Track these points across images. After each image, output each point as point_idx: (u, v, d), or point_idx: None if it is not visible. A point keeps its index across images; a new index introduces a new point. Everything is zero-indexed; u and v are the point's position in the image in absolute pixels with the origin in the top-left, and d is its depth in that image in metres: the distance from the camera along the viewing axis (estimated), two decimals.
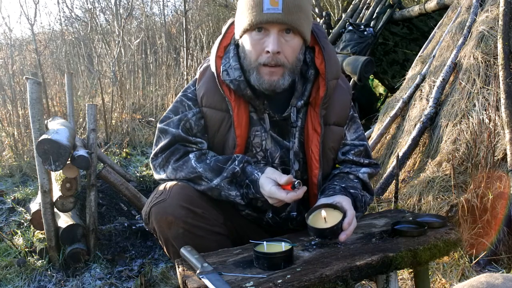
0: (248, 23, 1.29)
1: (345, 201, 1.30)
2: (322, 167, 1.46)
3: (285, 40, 1.31)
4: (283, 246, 1.13)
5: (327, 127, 1.45)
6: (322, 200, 1.34)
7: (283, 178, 1.29)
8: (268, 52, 1.30)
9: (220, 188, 1.37)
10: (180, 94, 1.51)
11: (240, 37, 1.38)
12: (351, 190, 1.40)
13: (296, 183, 1.26)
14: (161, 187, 1.41)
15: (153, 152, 1.48)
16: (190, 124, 1.45)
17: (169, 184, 1.40)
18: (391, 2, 4.97)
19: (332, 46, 1.49)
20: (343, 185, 1.41)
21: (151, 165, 1.51)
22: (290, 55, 1.33)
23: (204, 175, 1.37)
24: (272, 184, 1.30)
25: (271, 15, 1.26)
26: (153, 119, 5.94)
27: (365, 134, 3.94)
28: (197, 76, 1.50)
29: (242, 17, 1.32)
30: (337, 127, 1.48)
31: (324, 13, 5.69)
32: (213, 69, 1.41)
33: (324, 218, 1.22)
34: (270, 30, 1.29)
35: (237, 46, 1.41)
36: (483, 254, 2.01)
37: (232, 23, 1.45)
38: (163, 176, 1.46)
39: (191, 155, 1.41)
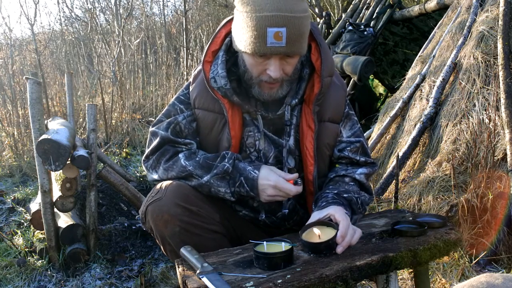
0: (251, 51, 1.28)
1: (338, 213, 1.27)
2: (317, 164, 1.46)
3: (285, 62, 1.33)
4: (283, 246, 1.13)
5: (322, 124, 1.45)
6: (315, 215, 1.32)
7: (289, 175, 1.36)
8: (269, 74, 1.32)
9: (210, 184, 1.39)
10: (174, 97, 1.54)
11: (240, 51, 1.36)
12: (344, 195, 1.39)
13: (299, 180, 1.35)
14: (157, 186, 1.42)
15: (145, 154, 1.51)
16: (180, 127, 1.48)
17: (165, 183, 1.41)
18: (391, 2, 4.97)
19: (324, 41, 1.49)
20: (335, 192, 1.40)
21: (143, 167, 1.53)
22: (290, 70, 1.36)
23: (194, 173, 1.39)
24: (278, 175, 1.35)
25: (275, 48, 1.25)
26: (153, 119, 5.93)
27: (365, 134, 3.96)
28: (191, 79, 1.51)
29: (244, 39, 1.29)
30: (332, 123, 1.48)
31: (324, 13, 5.69)
32: (203, 73, 1.43)
33: (318, 236, 1.21)
34: (272, 56, 1.29)
35: (226, 52, 1.41)
36: (483, 254, 2.01)
37: (222, 27, 1.44)
38: (155, 177, 1.48)
39: (180, 155, 1.43)
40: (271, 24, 1.22)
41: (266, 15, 1.22)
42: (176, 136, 1.48)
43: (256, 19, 1.23)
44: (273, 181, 1.33)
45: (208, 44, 1.44)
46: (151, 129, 1.52)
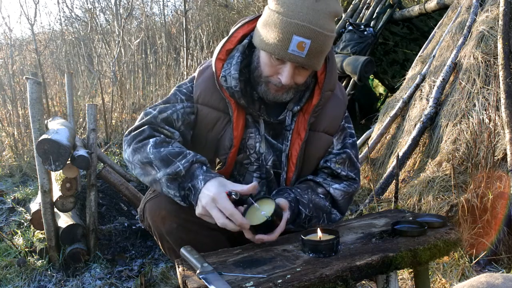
0: (270, 51, 1.29)
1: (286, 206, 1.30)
2: (300, 171, 1.47)
3: (298, 71, 1.33)
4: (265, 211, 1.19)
5: (316, 133, 1.46)
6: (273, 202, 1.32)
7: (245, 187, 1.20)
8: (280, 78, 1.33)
9: (161, 183, 1.30)
10: (174, 88, 1.51)
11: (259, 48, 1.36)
12: (300, 206, 1.38)
13: (233, 193, 1.19)
14: None
15: (129, 129, 1.44)
16: (177, 115, 1.43)
17: None
18: (391, 2, 4.97)
19: (334, 55, 1.50)
20: (297, 197, 1.39)
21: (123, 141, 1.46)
22: (300, 81, 1.37)
23: (154, 163, 1.30)
24: (223, 190, 1.18)
25: (294, 57, 1.26)
26: None
27: (365, 134, 3.96)
28: (195, 74, 1.50)
29: (267, 37, 1.29)
30: (326, 135, 1.49)
31: None
32: (214, 70, 1.42)
33: (319, 238, 1.22)
34: (287, 63, 1.30)
35: (242, 53, 1.41)
36: (483, 254, 2.01)
37: (239, 28, 1.43)
38: (125, 155, 1.41)
39: (151, 140, 1.35)
40: (298, 33, 1.23)
41: (296, 23, 1.23)
42: (166, 123, 1.42)
43: (285, 23, 1.24)
44: (212, 193, 1.18)
45: (223, 42, 1.43)
46: (146, 109, 1.47)
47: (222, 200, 1.16)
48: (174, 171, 1.27)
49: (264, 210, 1.21)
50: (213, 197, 1.17)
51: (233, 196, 1.18)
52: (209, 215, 1.19)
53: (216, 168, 1.47)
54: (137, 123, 1.43)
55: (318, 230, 1.22)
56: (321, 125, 1.46)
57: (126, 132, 1.44)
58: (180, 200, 1.29)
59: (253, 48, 1.40)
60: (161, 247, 1.48)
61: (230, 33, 1.44)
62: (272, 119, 1.44)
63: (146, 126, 1.40)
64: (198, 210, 1.22)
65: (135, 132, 1.40)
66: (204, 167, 1.29)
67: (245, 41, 1.42)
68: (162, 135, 1.39)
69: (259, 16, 1.40)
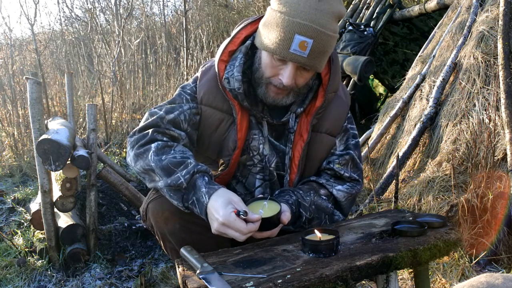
0: (272, 51, 1.28)
1: (286, 212, 1.30)
2: (302, 173, 1.47)
3: (300, 72, 1.32)
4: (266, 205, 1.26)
5: (318, 134, 1.46)
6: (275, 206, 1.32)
7: (251, 215, 1.19)
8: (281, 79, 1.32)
9: (163, 192, 1.32)
10: (178, 89, 1.51)
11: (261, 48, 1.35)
12: (300, 209, 1.38)
13: (241, 212, 1.18)
14: None
15: (134, 129, 1.43)
16: (184, 116, 1.43)
17: None
18: (391, 2, 4.97)
19: (338, 56, 1.49)
20: (299, 200, 1.38)
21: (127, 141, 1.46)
22: (301, 83, 1.36)
23: (156, 171, 1.31)
24: (229, 209, 1.18)
25: (296, 56, 1.25)
26: None
27: (365, 134, 3.96)
28: (198, 74, 1.50)
29: (269, 37, 1.29)
30: (329, 136, 1.48)
31: None
32: (216, 71, 1.42)
33: (319, 238, 1.22)
34: (289, 63, 1.29)
35: (245, 54, 1.40)
36: (483, 254, 2.01)
37: (242, 29, 1.43)
38: (128, 159, 1.40)
39: (153, 145, 1.34)
40: (300, 32, 1.23)
41: (298, 22, 1.23)
42: (174, 126, 1.41)
43: (287, 22, 1.24)
44: (221, 217, 1.17)
45: (226, 43, 1.42)
46: (151, 109, 1.46)
47: (233, 223, 1.17)
48: (175, 183, 1.27)
49: (269, 209, 1.25)
50: (222, 222, 1.18)
51: (242, 215, 1.18)
52: (228, 233, 1.19)
53: (219, 169, 1.46)
54: (142, 124, 1.42)
55: (316, 232, 1.22)
56: (323, 126, 1.46)
57: (131, 133, 1.43)
58: (184, 209, 1.30)
59: (256, 49, 1.40)
60: (163, 247, 1.48)
61: (233, 34, 1.43)
62: (275, 120, 1.44)
63: (151, 129, 1.39)
64: (213, 231, 1.22)
65: (138, 135, 1.39)
66: (206, 178, 1.29)
67: (248, 42, 1.41)
68: (165, 138, 1.38)
69: (262, 17, 1.39)
